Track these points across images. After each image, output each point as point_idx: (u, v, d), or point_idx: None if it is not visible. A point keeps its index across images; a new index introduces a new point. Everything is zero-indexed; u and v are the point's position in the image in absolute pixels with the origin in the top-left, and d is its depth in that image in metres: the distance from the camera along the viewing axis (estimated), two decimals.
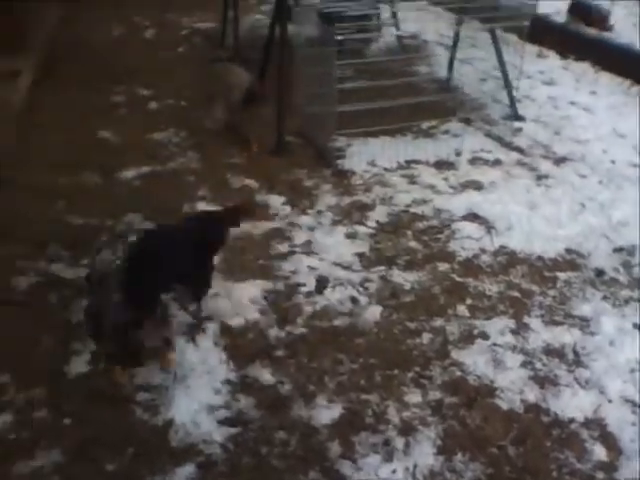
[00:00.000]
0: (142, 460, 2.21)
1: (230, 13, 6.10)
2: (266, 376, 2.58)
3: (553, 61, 6.03)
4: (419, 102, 4.66)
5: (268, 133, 4.30)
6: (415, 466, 2.23)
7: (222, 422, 2.37)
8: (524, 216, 3.68)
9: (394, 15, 6.05)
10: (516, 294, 3.09)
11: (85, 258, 3.21)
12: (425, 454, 2.27)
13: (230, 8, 6.04)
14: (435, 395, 2.52)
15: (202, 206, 3.72)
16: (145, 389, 2.49)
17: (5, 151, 4.01)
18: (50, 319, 2.82)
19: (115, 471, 2.18)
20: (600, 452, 2.32)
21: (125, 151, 4.35)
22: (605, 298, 3.07)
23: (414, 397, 2.50)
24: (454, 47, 5.28)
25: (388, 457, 2.26)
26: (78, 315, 2.83)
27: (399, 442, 2.31)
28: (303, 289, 3.09)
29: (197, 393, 2.47)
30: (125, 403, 2.42)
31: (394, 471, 2.21)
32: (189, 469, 2.19)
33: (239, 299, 2.97)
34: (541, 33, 5.84)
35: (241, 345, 2.74)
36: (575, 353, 2.75)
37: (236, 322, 2.85)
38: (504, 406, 2.49)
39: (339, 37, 3.85)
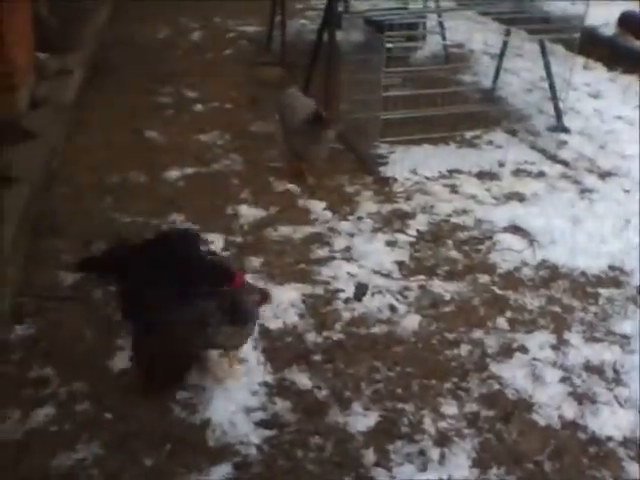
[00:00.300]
0: (179, 457, 2.25)
1: (277, 18, 6.18)
2: (303, 380, 2.60)
3: (600, 73, 5.96)
4: (463, 112, 4.63)
5: (327, 161, 4.17)
6: (450, 478, 2.22)
7: (258, 424, 2.40)
8: (567, 230, 3.64)
9: (440, 24, 6.05)
10: (557, 309, 3.05)
11: None
12: (460, 466, 2.26)
13: (277, 13, 6.12)
14: (472, 407, 2.50)
15: (244, 209, 3.77)
16: (184, 388, 2.52)
17: (55, 149, 4.11)
18: (94, 315, 2.89)
19: (152, 466, 2.22)
20: (636, 472, 2.27)
21: (170, 152, 4.43)
22: None
23: (450, 408, 2.49)
24: (501, 57, 5.25)
25: (423, 467, 2.26)
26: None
27: (434, 453, 2.30)
28: (342, 295, 3.10)
29: (234, 394, 2.50)
30: (164, 401, 2.46)
31: None
32: (225, 469, 2.22)
33: (279, 302, 3.00)
34: (589, 45, 5.75)
35: (279, 348, 2.76)
36: (615, 371, 2.70)
37: (275, 325, 2.88)
38: (541, 421, 2.46)
39: (388, 45, 3.86)
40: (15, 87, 4.20)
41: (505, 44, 5.15)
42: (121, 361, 2.64)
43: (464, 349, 2.79)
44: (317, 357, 2.73)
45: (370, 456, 2.29)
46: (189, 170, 4.21)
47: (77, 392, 2.49)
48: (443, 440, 2.36)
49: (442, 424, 2.42)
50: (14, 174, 3.50)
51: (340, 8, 4.59)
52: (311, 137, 3.89)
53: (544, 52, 4.80)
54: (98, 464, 2.22)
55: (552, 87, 4.84)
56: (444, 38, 6.09)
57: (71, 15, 5.82)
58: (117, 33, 6.69)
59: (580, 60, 5.69)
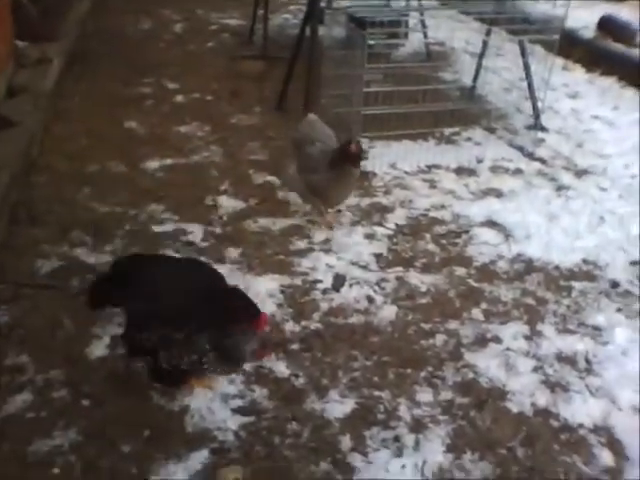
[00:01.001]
0: (157, 443, 2.26)
1: (260, 11, 6.18)
2: (281, 368, 2.62)
3: (579, 75, 6.05)
4: (443, 109, 4.68)
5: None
6: (424, 462, 2.26)
7: (236, 411, 2.41)
8: (543, 225, 3.70)
9: (422, 22, 6.10)
10: (531, 301, 3.11)
11: (108, 245, 3.29)
12: (434, 451, 2.30)
13: (260, 6, 6.12)
14: (447, 395, 2.54)
15: (224, 200, 3.78)
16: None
17: (34, 137, 4.08)
18: (71, 303, 2.87)
19: (130, 452, 2.23)
20: (607, 457, 2.33)
21: (150, 142, 4.42)
22: (619, 310, 3.08)
23: (426, 396, 2.53)
24: (481, 56, 5.30)
25: (398, 452, 2.29)
26: None
27: (409, 439, 2.34)
28: (320, 286, 3.13)
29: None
30: (142, 388, 2.46)
31: (403, 466, 2.24)
32: (203, 454, 2.23)
33: (257, 292, 3.01)
34: (568, 46, 5.85)
35: (257, 337, 2.76)
36: (587, 361, 2.76)
37: None
38: (514, 409, 2.51)
39: (370, 41, 3.89)
40: None
41: (485, 44, 5.21)
42: (98, 349, 2.64)
43: (439, 339, 2.83)
44: (295, 346, 2.76)
45: (346, 442, 2.31)
46: (168, 161, 4.20)
47: (54, 379, 2.48)
48: (418, 427, 2.40)
49: (417, 411, 2.46)
50: None
51: (323, 3, 4.61)
52: (335, 176, 3.36)
53: (524, 52, 4.87)
54: (76, 450, 2.22)
55: (531, 87, 4.91)
56: (426, 36, 6.14)
57: (52, 4, 5.75)
58: (98, 23, 6.63)
59: (559, 61, 5.76)
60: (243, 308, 2.42)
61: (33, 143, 4.07)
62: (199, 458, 2.22)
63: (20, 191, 3.62)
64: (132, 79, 5.40)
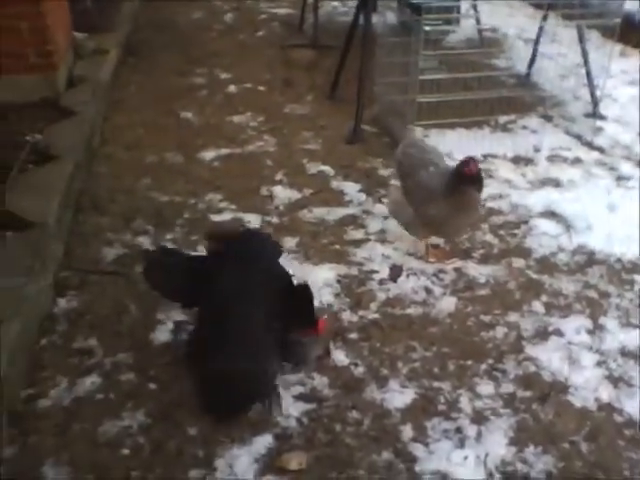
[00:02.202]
0: (222, 427, 2.31)
1: (309, 0, 6.18)
2: (340, 357, 2.64)
3: (637, 61, 5.85)
4: (498, 96, 4.60)
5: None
6: (487, 455, 2.25)
7: (298, 397, 2.45)
8: (604, 216, 3.62)
9: (474, 7, 5.99)
10: (593, 294, 3.05)
11: (169, 233, 3.36)
12: (497, 444, 2.28)
13: None
14: (508, 388, 2.52)
15: (279, 190, 3.81)
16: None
17: (94, 127, 4.18)
18: (136, 289, 2.95)
19: (196, 435, 2.28)
20: None
21: (205, 132, 4.48)
22: None
23: (487, 388, 2.51)
24: (537, 42, 5.19)
25: (460, 444, 2.29)
26: None
27: (471, 430, 2.33)
28: (377, 276, 3.13)
29: None
30: None
31: (466, 457, 2.23)
32: (267, 439, 2.27)
33: (314, 282, 3.03)
34: (626, 31, 5.66)
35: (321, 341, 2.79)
36: None
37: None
38: (577, 403, 2.47)
39: (426, 27, 3.85)
40: (55, 65, 4.27)
41: (541, 29, 5.10)
42: (162, 334, 2.70)
43: (500, 331, 2.80)
44: (353, 335, 2.77)
45: (407, 431, 2.32)
46: (224, 151, 4.25)
47: (121, 363, 2.56)
48: (480, 419, 2.39)
49: (478, 403, 2.45)
50: (56, 152, 3.57)
51: None
52: (455, 204, 2.95)
53: (582, 38, 4.74)
54: (144, 432, 2.28)
55: (589, 73, 4.79)
56: (478, 22, 6.03)
57: None
58: (151, 14, 6.74)
59: (617, 47, 5.60)
60: (306, 312, 2.43)
61: (94, 133, 4.17)
62: (263, 443, 2.26)
63: (84, 180, 3.72)
64: (185, 69, 5.48)
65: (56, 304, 2.85)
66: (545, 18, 5.02)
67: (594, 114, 4.80)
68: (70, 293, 2.91)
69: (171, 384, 2.47)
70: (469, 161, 2.94)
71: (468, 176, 2.91)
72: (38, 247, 2.82)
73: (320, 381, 2.53)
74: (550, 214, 3.63)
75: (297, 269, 3.10)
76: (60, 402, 2.37)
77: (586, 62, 4.81)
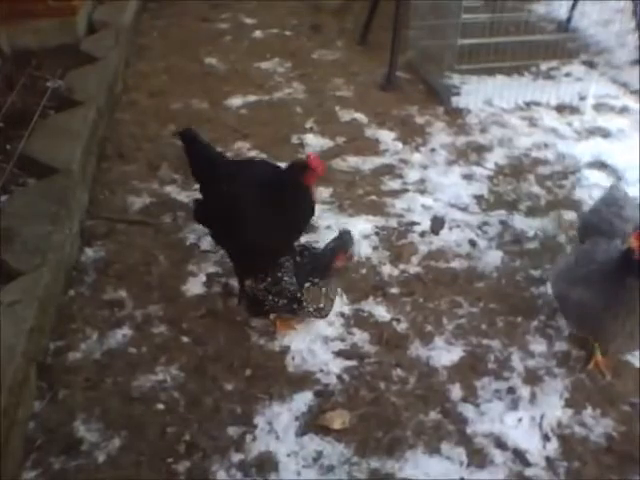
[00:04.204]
0: (260, 383, 2.20)
1: None
2: (381, 312, 2.51)
3: None
4: (538, 41, 4.33)
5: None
6: (542, 417, 2.12)
7: (338, 354, 2.33)
8: None
9: None
10: None
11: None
12: (552, 406, 2.16)
13: None
14: (562, 347, 2.38)
15: (310, 138, 3.63)
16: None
17: (116, 74, 4.00)
18: (165, 239, 2.82)
19: (233, 391, 2.17)
20: None
21: (231, 79, 4.28)
22: None
23: (539, 347, 2.37)
24: None
25: (513, 405, 2.16)
26: (192, 237, 2.84)
27: (524, 391, 2.20)
28: (417, 228, 2.97)
29: (311, 324, 2.41)
30: (241, 327, 2.40)
31: (520, 419, 2.11)
32: (307, 396, 2.16)
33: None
34: None
35: (354, 279, 2.66)
36: None
37: None
38: (636, 363, 2.32)
39: None
40: (74, 10, 4.08)
41: None
42: (195, 287, 2.58)
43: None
44: (394, 290, 2.63)
45: (456, 391, 2.20)
46: (251, 98, 4.05)
47: (153, 315, 2.45)
48: (533, 379, 2.25)
49: (531, 362, 2.31)
50: (77, 97, 3.41)
51: None
52: (616, 297, 2.03)
53: None
54: (178, 387, 2.18)
55: (637, 18, 4.49)
56: None
57: None
58: None
59: None
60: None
61: (116, 79, 4.00)
62: (303, 400, 2.15)
63: (107, 127, 3.56)
64: (209, 14, 5.23)
65: (83, 253, 2.73)
66: None
67: None
68: (97, 243, 2.79)
69: (205, 338, 2.36)
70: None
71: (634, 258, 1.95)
72: (63, 194, 2.69)
73: (360, 337, 2.40)
74: (599, 165, 3.43)
75: (333, 220, 2.94)
76: (91, 355, 2.27)
77: (636, 7, 4.50)
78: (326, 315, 2.33)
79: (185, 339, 2.35)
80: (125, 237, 2.82)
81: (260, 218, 2.25)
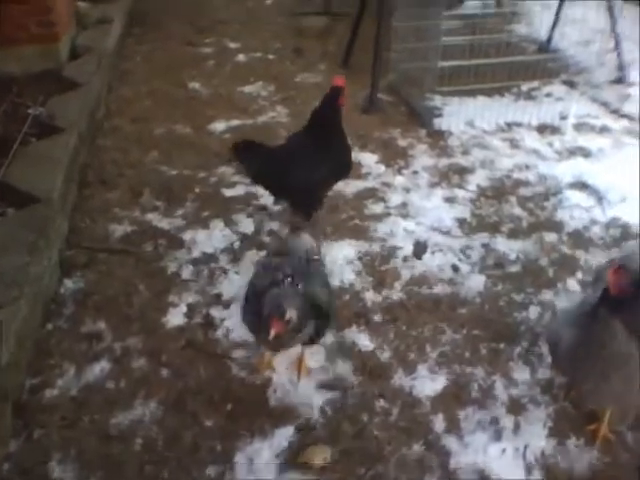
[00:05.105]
0: (240, 418, 2.16)
1: None
2: (364, 341, 2.48)
3: None
4: (519, 62, 4.37)
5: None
6: (526, 447, 2.09)
7: (320, 386, 2.29)
8: (637, 187, 3.41)
9: None
10: None
11: (179, 209, 3.19)
12: (536, 435, 2.13)
13: None
14: (545, 374, 2.36)
15: None
16: (241, 346, 2.42)
17: (99, 99, 3.99)
18: (146, 268, 2.79)
19: (213, 427, 2.14)
20: None
21: (214, 103, 4.28)
22: None
23: (522, 374, 2.35)
24: (560, 5, 4.92)
25: (496, 436, 2.13)
26: (173, 266, 2.81)
27: (508, 421, 2.18)
28: (400, 253, 2.95)
29: (294, 354, 2.38)
30: (222, 359, 2.37)
31: (504, 450, 2.08)
32: (288, 431, 2.12)
33: (334, 259, 2.87)
34: None
35: (337, 306, 2.63)
36: None
37: (331, 283, 2.74)
38: None
39: None
40: (57, 36, 4.08)
41: None
42: (175, 317, 2.55)
43: (533, 311, 2.63)
44: (377, 317, 2.61)
45: (439, 422, 2.17)
46: (235, 122, 4.05)
47: (132, 348, 2.41)
48: (516, 407, 2.23)
49: (514, 391, 2.29)
50: (59, 124, 3.39)
51: None
52: (599, 349, 1.89)
53: (609, 1, 4.48)
54: (157, 423, 2.14)
55: (617, 37, 4.54)
56: None
57: None
58: None
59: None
60: None
61: (98, 105, 3.98)
62: (284, 435, 2.11)
63: (88, 154, 3.54)
64: (193, 38, 5.25)
65: (62, 284, 2.69)
66: None
67: (621, 80, 4.56)
68: (77, 273, 2.75)
69: (185, 370, 2.32)
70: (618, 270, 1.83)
71: (612, 297, 1.83)
72: (42, 224, 2.65)
73: (344, 367, 2.37)
74: (581, 185, 3.44)
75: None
76: (67, 392, 2.22)
77: (614, 26, 4.55)
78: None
79: (165, 372, 2.31)
80: (105, 267, 2.78)
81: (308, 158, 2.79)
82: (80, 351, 2.39)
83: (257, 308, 2.01)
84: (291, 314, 1.95)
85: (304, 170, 2.80)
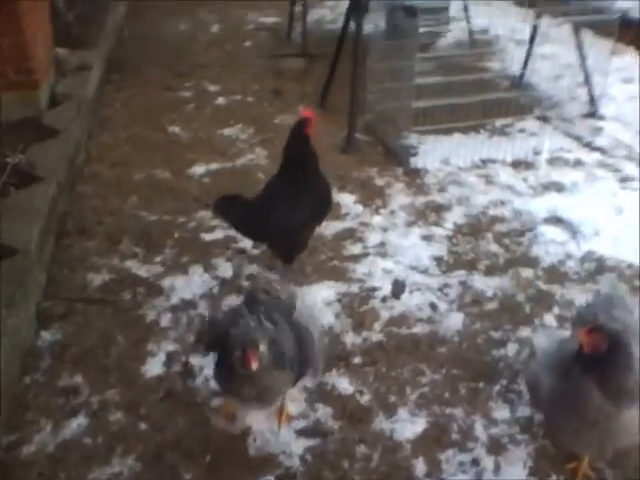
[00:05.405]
0: (220, 469, 2.14)
1: (297, 8, 6.04)
2: (344, 385, 2.48)
3: (632, 58, 5.73)
4: (494, 99, 4.46)
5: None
6: None
7: (300, 432, 2.28)
8: (611, 220, 3.48)
9: (465, 8, 5.87)
10: None
11: (158, 255, 3.20)
12: (517, 475, 2.13)
13: (297, 3, 5.98)
14: (524, 411, 2.37)
15: None
16: (220, 394, 2.41)
17: (78, 146, 4.02)
18: (124, 318, 2.79)
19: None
20: None
21: (194, 147, 4.32)
22: None
23: (502, 412, 2.36)
24: (531, 42, 5.05)
25: (477, 477, 2.13)
26: (152, 314, 2.81)
27: (488, 462, 2.18)
28: (379, 293, 2.97)
29: None
30: (201, 408, 2.36)
31: None
32: None
33: (313, 301, 2.88)
34: (620, 29, 5.56)
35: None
36: None
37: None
38: None
39: (421, 30, 3.70)
40: (36, 84, 4.11)
41: (535, 29, 4.96)
42: (154, 367, 2.54)
43: (512, 348, 2.65)
44: (357, 359, 2.61)
45: (420, 466, 2.16)
46: (214, 165, 4.09)
47: (109, 401, 2.39)
48: (497, 448, 2.23)
49: (494, 430, 2.29)
50: (38, 173, 3.41)
51: None
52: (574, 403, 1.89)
53: (578, 37, 4.62)
54: (135, 478, 2.11)
55: (587, 72, 4.67)
56: (469, 23, 5.90)
57: (89, 10, 5.71)
58: (135, 28, 6.58)
59: (610, 44, 5.48)
60: None
61: (78, 152, 4.01)
62: None
63: (67, 202, 3.55)
64: (172, 83, 5.32)
65: (39, 336, 2.68)
66: (539, 17, 4.88)
67: (593, 114, 4.67)
68: (54, 325, 2.74)
69: (164, 423, 2.30)
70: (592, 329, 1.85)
71: (586, 355, 1.84)
72: (19, 276, 2.65)
73: (324, 412, 2.37)
74: (555, 220, 3.49)
75: (294, 288, 2.93)
76: (45, 448, 2.20)
77: (583, 61, 4.68)
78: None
79: (143, 425, 2.29)
80: (83, 317, 2.78)
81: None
82: (57, 406, 2.36)
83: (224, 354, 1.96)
84: (263, 346, 1.91)
85: (283, 215, 2.82)
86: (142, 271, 3.07)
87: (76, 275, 3.04)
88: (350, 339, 2.71)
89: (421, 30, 3.75)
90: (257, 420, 2.30)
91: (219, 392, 2.35)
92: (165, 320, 2.78)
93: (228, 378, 2.06)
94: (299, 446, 2.22)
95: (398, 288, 3.00)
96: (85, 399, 2.39)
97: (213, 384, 2.44)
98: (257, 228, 2.89)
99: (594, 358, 1.82)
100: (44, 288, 2.92)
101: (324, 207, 3.01)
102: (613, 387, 1.82)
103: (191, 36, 6.49)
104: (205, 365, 2.53)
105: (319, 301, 2.91)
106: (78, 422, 2.29)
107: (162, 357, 2.57)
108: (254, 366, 1.89)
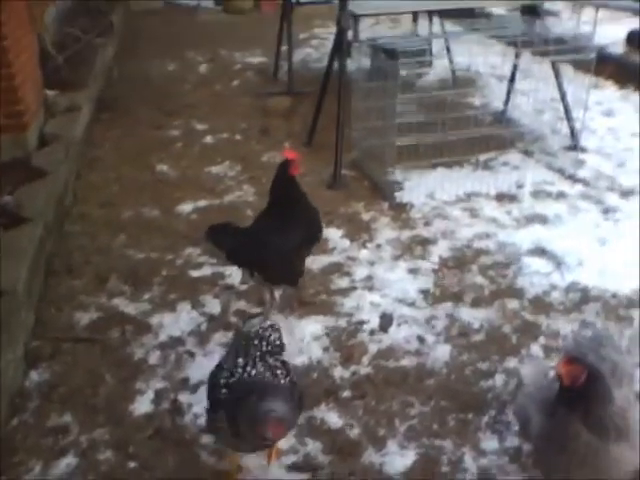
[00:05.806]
0: None
1: (283, 48, 6.19)
2: (333, 419, 2.48)
3: (611, 92, 5.90)
4: (477, 135, 4.56)
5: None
6: None
7: (290, 467, 2.28)
8: (594, 251, 3.54)
9: (447, 48, 6.03)
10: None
11: (146, 293, 3.21)
12: None
13: (283, 43, 6.12)
14: (513, 442, 2.37)
15: None
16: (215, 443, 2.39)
17: (66, 187, 4.06)
18: (112, 356, 2.79)
19: None
20: None
21: (182, 185, 4.38)
22: None
23: (491, 443, 2.37)
24: (512, 79, 5.20)
25: None
26: (140, 352, 2.81)
27: None
28: (367, 326, 2.99)
29: None
30: (190, 446, 2.35)
31: None
32: None
33: (301, 336, 2.90)
34: (598, 63, 5.71)
35: (306, 384, 2.64)
36: None
37: (299, 360, 2.77)
38: None
39: (402, 71, 3.80)
40: (25, 126, 4.17)
41: (516, 66, 5.11)
42: (142, 405, 2.53)
43: (499, 379, 2.67)
44: (346, 393, 2.62)
45: None
46: (202, 203, 4.14)
47: (98, 440, 2.38)
48: (486, 479, 2.22)
49: (483, 461, 2.30)
50: (26, 214, 3.43)
51: (349, 36, 4.56)
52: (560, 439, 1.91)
53: (557, 73, 4.75)
54: None
55: (567, 107, 4.79)
56: (451, 62, 6.06)
57: (78, 52, 5.82)
58: (124, 68, 6.70)
59: (590, 79, 5.63)
60: None
61: (66, 192, 4.05)
62: None
63: (55, 241, 3.57)
64: (161, 122, 5.40)
65: (28, 377, 2.67)
66: (519, 55, 5.03)
67: (574, 147, 4.78)
68: (42, 365, 2.73)
69: (153, 461, 2.29)
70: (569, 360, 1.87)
71: (567, 391, 1.86)
72: (6, 318, 2.65)
73: (313, 446, 2.37)
74: (540, 251, 3.54)
75: (282, 322, 2.94)
76: None
77: (563, 96, 4.80)
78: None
79: (132, 464, 2.28)
80: (71, 357, 2.77)
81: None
82: (46, 446, 2.35)
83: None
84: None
85: (276, 240, 2.86)
86: (130, 309, 3.07)
87: (63, 314, 3.04)
88: (338, 373, 2.72)
89: (402, 72, 3.85)
90: (247, 456, 2.29)
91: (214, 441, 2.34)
92: (153, 358, 2.78)
93: (231, 435, 2.02)
94: None
95: (386, 321, 3.02)
96: (74, 438, 2.38)
97: (202, 421, 2.44)
98: (251, 254, 2.89)
99: (576, 393, 1.82)
100: (32, 328, 2.92)
101: (315, 229, 3.06)
102: (596, 421, 1.83)
103: (180, 76, 6.61)
104: (193, 402, 2.53)
105: (307, 335, 2.92)
106: (67, 462, 2.28)
107: (151, 395, 2.57)
108: (277, 438, 1.95)
